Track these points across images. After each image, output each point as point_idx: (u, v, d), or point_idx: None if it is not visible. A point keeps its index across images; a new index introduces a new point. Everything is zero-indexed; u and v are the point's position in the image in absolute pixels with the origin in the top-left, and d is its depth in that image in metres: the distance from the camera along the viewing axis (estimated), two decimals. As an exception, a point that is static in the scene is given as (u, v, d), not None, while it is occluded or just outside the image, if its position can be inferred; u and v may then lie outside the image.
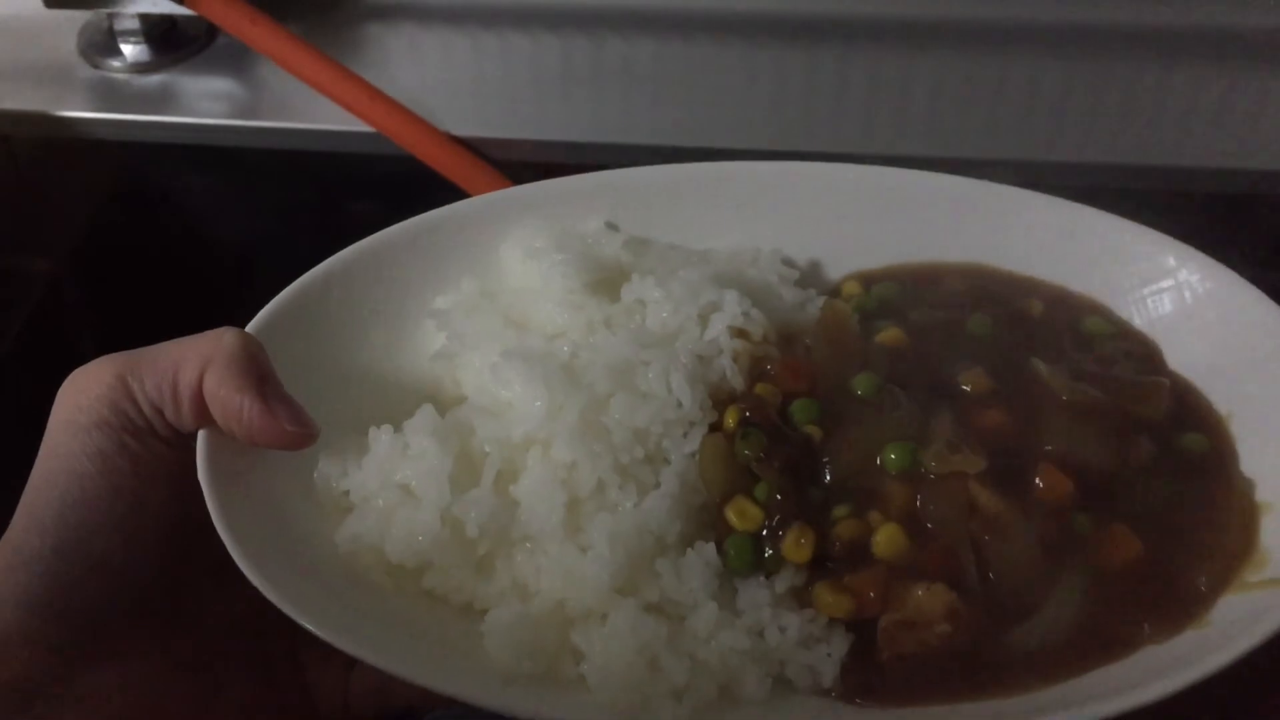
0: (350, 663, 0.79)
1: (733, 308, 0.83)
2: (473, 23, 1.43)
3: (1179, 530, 0.75)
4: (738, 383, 0.81)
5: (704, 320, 0.83)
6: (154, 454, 0.73)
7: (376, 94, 1.23)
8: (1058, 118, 1.29)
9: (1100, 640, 0.72)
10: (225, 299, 1.06)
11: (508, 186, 0.88)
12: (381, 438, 0.77)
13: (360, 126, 1.26)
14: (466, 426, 0.78)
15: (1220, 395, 0.82)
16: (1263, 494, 0.76)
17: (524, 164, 1.26)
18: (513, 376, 0.78)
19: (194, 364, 0.72)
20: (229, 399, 0.72)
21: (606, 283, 0.87)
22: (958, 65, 1.35)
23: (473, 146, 1.25)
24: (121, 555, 0.71)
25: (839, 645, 0.73)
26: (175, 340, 0.75)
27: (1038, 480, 0.76)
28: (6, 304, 1.38)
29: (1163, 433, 0.80)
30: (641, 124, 1.28)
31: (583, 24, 1.41)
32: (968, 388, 0.82)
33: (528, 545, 0.75)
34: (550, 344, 0.82)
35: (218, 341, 0.73)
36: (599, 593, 0.72)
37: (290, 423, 0.73)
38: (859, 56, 1.37)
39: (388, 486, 0.76)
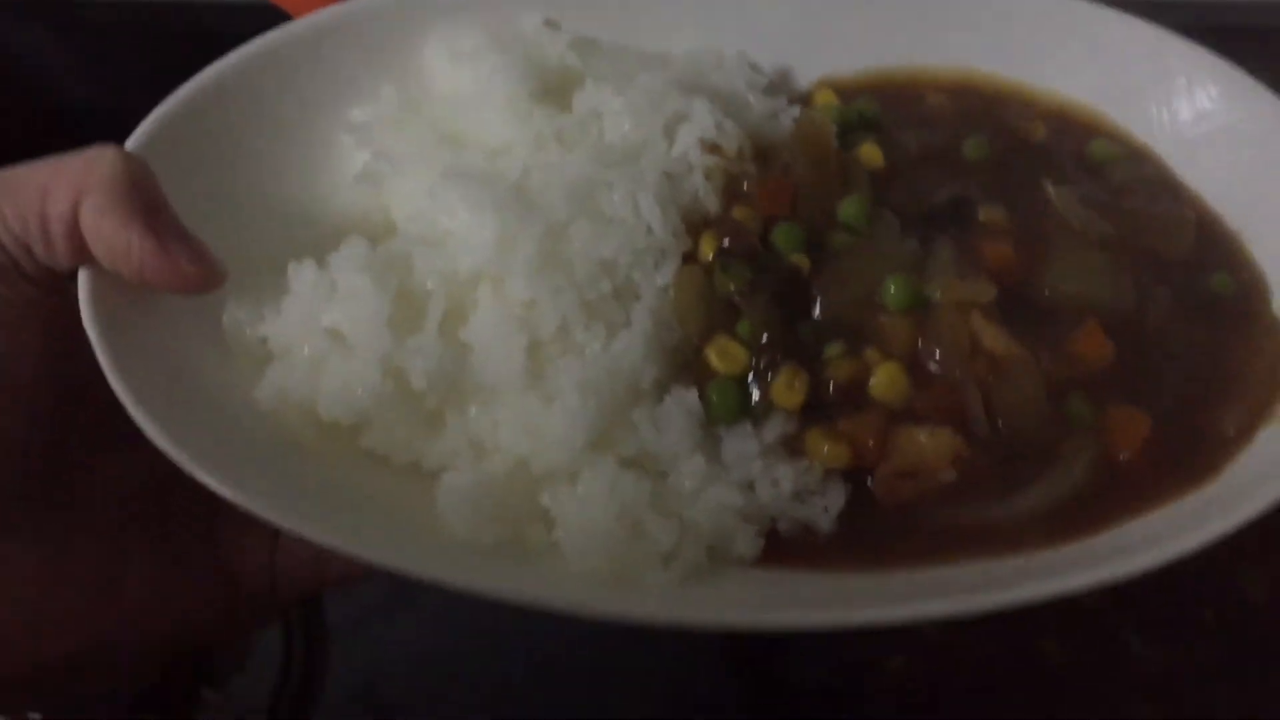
0: (274, 536, 0.69)
1: (703, 118, 0.72)
2: None
3: (1203, 380, 0.69)
4: (712, 205, 0.71)
5: (670, 133, 0.72)
6: (21, 297, 0.61)
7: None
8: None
9: (1117, 498, 0.65)
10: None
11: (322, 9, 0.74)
12: (304, 275, 0.66)
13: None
14: (403, 261, 0.66)
15: (1236, 213, 0.75)
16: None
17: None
18: (456, 201, 0.66)
19: (66, 191, 0.59)
20: (113, 234, 0.59)
21: (554, 90, 0.75)
22: None
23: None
24: None
25: (835, 498, 0.65)
26: (37, 162, 0.61)
27: (1075, 342, 0.68)
28: None
29: (1186, 270, 0.72)
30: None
31: None
32: (980, 217, 0.72)
33: (482, 397, 0.65)
34: (495, 162, 0.71)
35: (94, 164, 0.60)
36: (570, 449, 0.62)
37: (189, 261, 0.61)
38: None
39: (314, 332, 0.64)
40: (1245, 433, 0.66)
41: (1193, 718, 0.82)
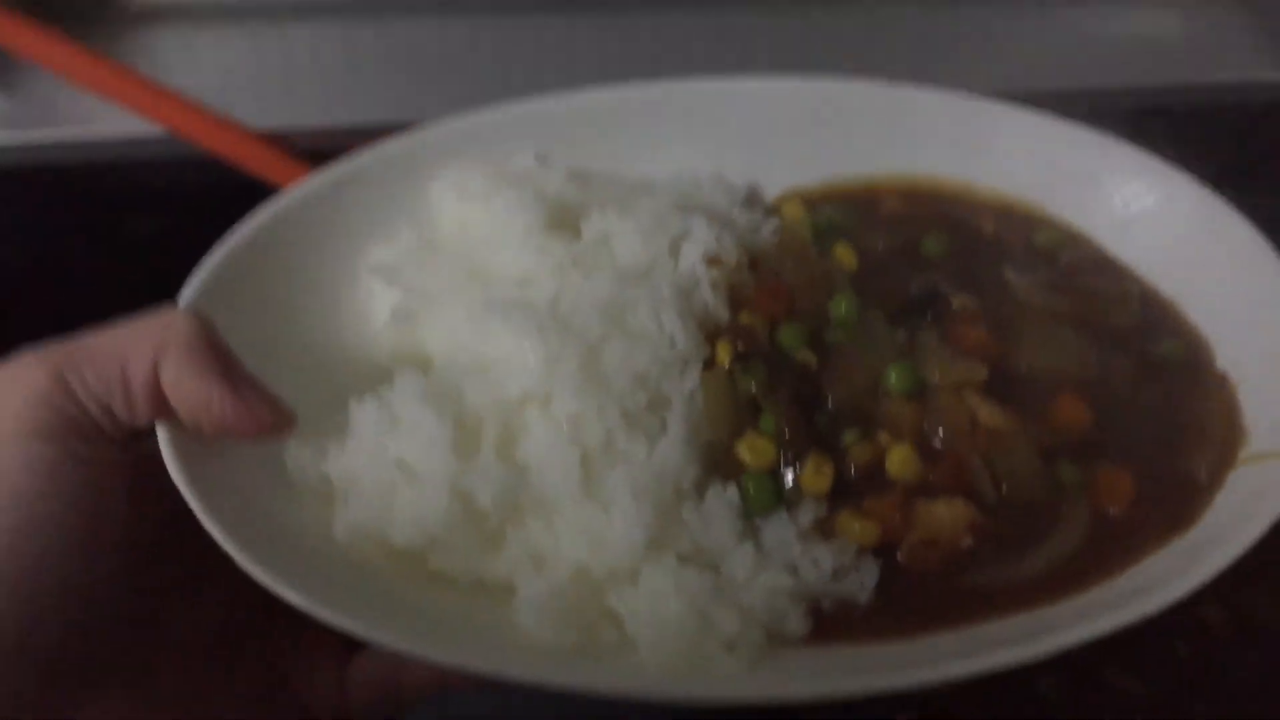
0: (342, 662, 0.71)
1: (703, 234, 0.79)
2: (252, 17, 1.31)
3: (1170, 435, 0.76)
4: (722, 313, 0.78)
5: (675, 250, 0.79)
6: (105, 457, 0.63)
7: (164, 90, 1.08)
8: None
9: (1116, 550, 0.72)
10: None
11: (310, 172, 0.79)
12: (366, 412, 0.69)
13: (143, 131, 1.09)
14: (454, 389, 0.71)
15: (1170, 283, 0.84)
16: (1234, 375, 0.78)
17: (318, 152, 1.15)
18: (499, 329, 0.71)
19: (144, 353, 0.63)
20: (195, 390, 0.63)
21: (562, 220, 0.81)
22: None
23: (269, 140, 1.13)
24: (85, 579, 0.61)
25: (870, 573, 0.71)
26: (113, 329, 0.65)
27: (1055, 411, 0.76)
28: None
29: (1138, 338, 0.81)
30: (433, 103, 1.19)
31: (363, 9, 1.32)
32: (954, 305, 0.80)
33: (542, 511, 0.69)
34: (524, 291, 0.76)
35: (169, 327, 0.64)
36: (631, 551, 0.67)
37: (265, 410, 0.65)
38: (634, 26, 1.34)
39: (381, 465, 0.68)
40: (1217, 478, 0.74)
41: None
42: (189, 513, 0.62)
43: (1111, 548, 0.72)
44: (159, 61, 1.24)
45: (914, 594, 0.72)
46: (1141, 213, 0.87)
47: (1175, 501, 0.73)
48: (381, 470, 0.68)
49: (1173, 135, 1.08)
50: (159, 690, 0.64)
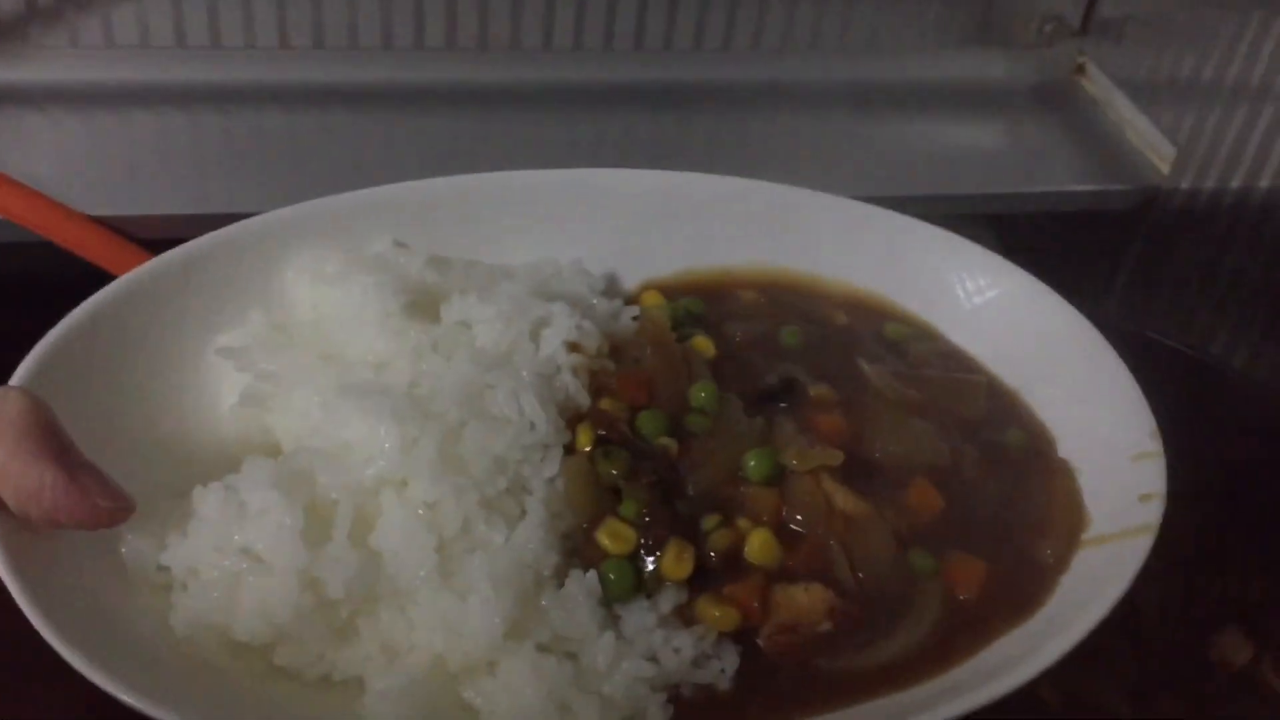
0: None
1: (564, 321, 0.79)
2: (89, 102, 1.27)
3: (1017, 521, 0.79)
4: (583, 399, 0.77)
5: (536, 336, 0.78)
6: None
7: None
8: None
9: (968, 634, 0.73)
10: None
11: (149, 260, 0.78)
12: (210, 498, 0.66)
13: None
14: (305, 474, 0.68)
15: (1012, 372, 0.88)
16: (1075, 462, 0.81)
17: (160, 241, 1.12)
18: (352, 413, 0.69)
19: None
20: (24, 474, 0.59)
21: (422, 304, 0.80)
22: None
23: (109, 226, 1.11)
24: None
25: (730, 659, 0.70)
26: None
27: (908, 497, 0.78)
28: None
29: (985, 427, 0.84)
30: (280, 194, 1.18)
31: (208, 98, 1.30)
32: (810, 393, 0.82)
33: (397, 600, 0.67)
34: (380, 375, 0.74)
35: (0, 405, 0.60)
36: (489, 641, 0.65)
37: (103, 497, 0.61)
38: (489, 119, 1.36)
39: (225, 554, 0.65)
40: (1062, 561, 0.76)
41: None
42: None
43: (964, 632, 0.73)
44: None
45: (773, 679, 0.71)
46: (985, 305, 0.90)
47: (1023, 585, 0.75)
48: (226, 559, 0.65)
49: (995, 239, 1.15)
50: None
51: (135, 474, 0.67)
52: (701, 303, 0.91)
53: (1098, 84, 1.49)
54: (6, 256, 1.10)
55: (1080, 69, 1.52)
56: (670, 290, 0.93)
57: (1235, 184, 1.28)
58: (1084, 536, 0.77)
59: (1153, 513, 0.72)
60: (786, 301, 0.93)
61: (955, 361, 0.89)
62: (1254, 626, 0.97)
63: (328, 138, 1.29)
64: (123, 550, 0.66)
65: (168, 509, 0.67)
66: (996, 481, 0.81)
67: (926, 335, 0.92)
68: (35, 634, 0.57)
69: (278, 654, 0.65)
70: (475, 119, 1.35)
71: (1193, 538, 0.87)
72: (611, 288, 0.92)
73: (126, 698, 0.55)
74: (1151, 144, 1.39)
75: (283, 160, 1.24)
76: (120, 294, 0.74)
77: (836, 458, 0.77)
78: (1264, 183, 1.25)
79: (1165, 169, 1.36)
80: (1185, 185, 1.33)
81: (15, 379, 0.66)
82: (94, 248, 1.07)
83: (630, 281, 0.94)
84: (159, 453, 0.72)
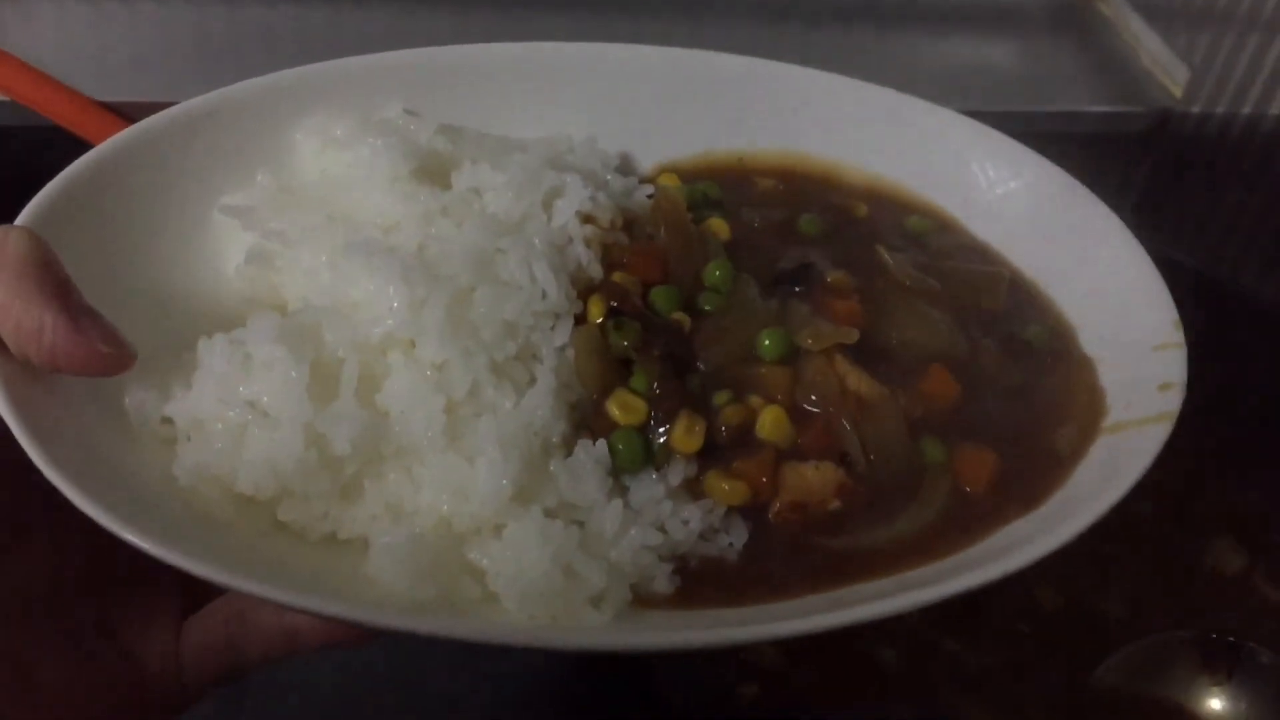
0: (177, 625, 0.66)
1: (578, 191, 0.77)
2: None
3: (1034, 414, 0.77)
4: (595, 271, 0.76)
5: (548, 206, 0.77)
6: None
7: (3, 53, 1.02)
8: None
9: (973, 522, 0.72)
10: None
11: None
12: (215, 350, 0.65)
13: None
14: (312, 330, 0.67)
15: (1035, 265, 0.86)
16: (1096, 355, 0.80)
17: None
18: (360, 271, 0.68)
19: None
20: (25, 315, 0.57)
21: (432, 170, 0.78)
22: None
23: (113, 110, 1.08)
24: None
25: (739, 534, 0.70)
26: None
27: (924, 384, 0.76)
28: None
29: (1006, 321, 0.82)
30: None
31: None
32: (827, 279, 0.80)
33: (402, 460, 0.66)
34: (389, 237, 0.72)
35: (1, 244, 0.58)
36: (497, 504, 0.64)
37: (104, 342, 0.59)
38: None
39: (231, 405, 0.64)
40: (1078, 450, 0.75)
41: (1007, 706, 0.90)
42: (12, 459, 0.57)
43: (974, 516, 0.72)
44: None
45: (780, 556, 0.71)
46: (1007, 195, 0.88)
47: (1037, 474, 0.74)
48: (230, 411, 0.64)
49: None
50: None
51: (139, 327, 0.66)
52: (718, 187, 0.89)
53: (1112, 5, 1.46)
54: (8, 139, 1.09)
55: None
56: (687, 174, 0.91)
57: (1247, 110, 1.26)
58: (1102, 425, 0.76)
59: (1172, 401, 0.71)
60: (805, 190, 0.91)
61: (977, 254, 0.87)
62: (1248, 537, 0.98)
63: (335, 32, 1.27)
64: (126, 401, 0.64)
65: (172, 362, 0.66)
66: (1015, 374, 0.80)
67: (948, 228, 0.89)
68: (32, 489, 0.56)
69: (282, 509, 0.64)
70: (488, 17, 1.32)
71: (1193, 451, 0.87)
72: (626, 167, 0.90)
73: (128, 535, 0.54)
74: (1165, 67, 1.36)
75: (289, 54, 1.22)
76: (125, 144, 0.72)
77: (852, 335, 0.75)
78: (1276, 109, 1.23)
79: (1178, 92, 1.33)
80: (1197, 109, 1.31)
81: (19, 221, 0.65)
82: (96, 129, 1.04)
83: (645, 164, 0.91)
84: (163, 308, 0.70)
